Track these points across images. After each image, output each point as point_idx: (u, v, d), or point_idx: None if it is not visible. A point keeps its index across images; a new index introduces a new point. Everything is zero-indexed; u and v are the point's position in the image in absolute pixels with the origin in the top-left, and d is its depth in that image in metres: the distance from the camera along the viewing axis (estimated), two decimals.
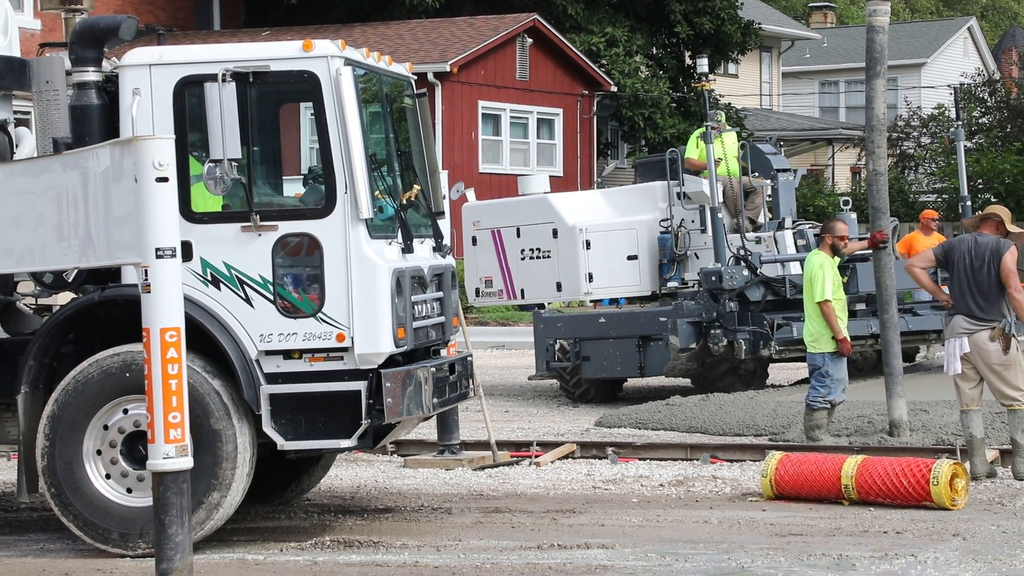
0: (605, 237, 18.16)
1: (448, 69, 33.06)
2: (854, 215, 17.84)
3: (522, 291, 18.79)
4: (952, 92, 22.15)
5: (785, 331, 16.34)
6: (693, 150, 18.32)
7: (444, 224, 11.03)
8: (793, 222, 18.05)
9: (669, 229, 17.90)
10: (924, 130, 42.36)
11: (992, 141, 40.40)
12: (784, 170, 18.33)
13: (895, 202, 33.24)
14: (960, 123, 19.05)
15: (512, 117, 35.57)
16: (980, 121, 41.96)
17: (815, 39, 53.62)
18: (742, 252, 16.82)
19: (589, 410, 17.39)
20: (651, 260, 18.13)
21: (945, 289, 12.87)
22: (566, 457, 13.60)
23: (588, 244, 18.09)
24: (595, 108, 37.28)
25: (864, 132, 15.55)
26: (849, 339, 13.67)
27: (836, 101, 54.24)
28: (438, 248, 10.74)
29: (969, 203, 19.00)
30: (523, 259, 18.64)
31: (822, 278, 13.38)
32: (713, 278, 16.50)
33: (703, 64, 18.10)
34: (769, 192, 18.44)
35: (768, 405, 15.70)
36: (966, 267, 11.82)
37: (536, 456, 13.48)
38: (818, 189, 39.00)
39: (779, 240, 17.57)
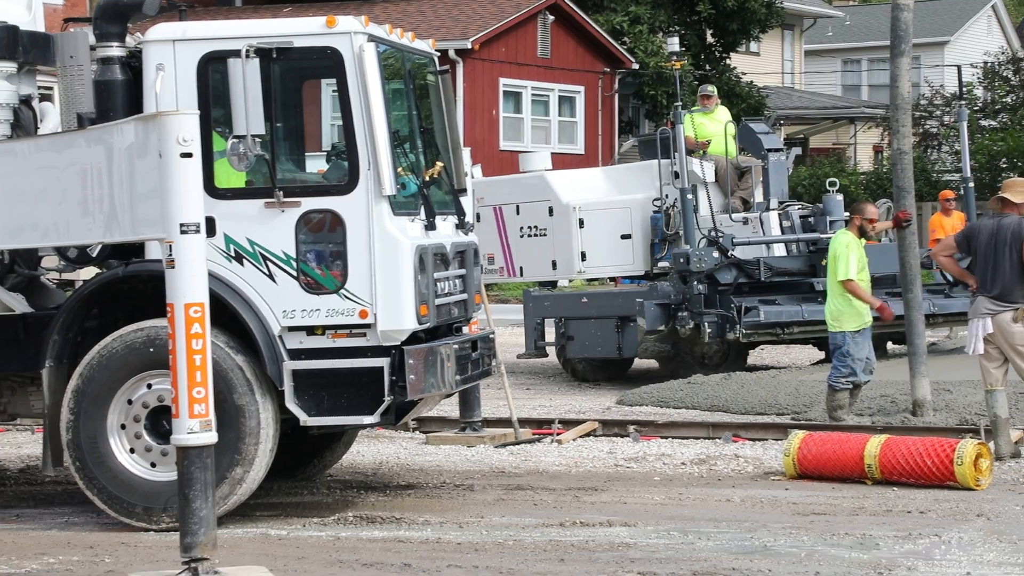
0: (598, 216, 18.00)
1: (469, 46, 33.00)
2: (840, 196, 17.54)
3: (521, 268, 18.75)
4: (957, 70, 21.98)
5: (753, 315, 16.11)
6: (690, 129, 18.24)
7: (467, 201, 11.01)
8: (781, 203, 17.69)
9: (661, 208, 17.68)
10: (947, 109, 42.15)
11: (1017, 120, 40.17)
12: (776, 150, 17.97)
13: (918, 181, 33.01)
14: (963, 103, 18.81)
15: (533, 95, 35.50)
16: (1004, 100, 41.71)
17: (838, 17, 53.36)
18: (713, 234, 16.67)
19: (611, 388, 17.38)
20: (645, 239, 17.91)
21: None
22: (588, 435, 13.61)
23: (581, 223, 17.96)
24: (616, 86, 37.18)
25: (888, 111, 15.48)
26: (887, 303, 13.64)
27: (858, 79, 53.99)
28: (461, 225, 10.72)
29: (972, 184, 18.67)
30: (522, 237, 18.55)
31: (846, 258, 13.33)
32: (681, 260, 16.34)
33: (673, 43, 17.94)
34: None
35: (790, 384, 15.67)
36: (988, 249, 11.78)
37: (558, 434, 13.49)
38: (840, 168, 38.83)
39: (764, 221, 17.31)
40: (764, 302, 16.41)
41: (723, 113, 18.49)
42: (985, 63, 42.57)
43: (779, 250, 17.27)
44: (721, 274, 16.47)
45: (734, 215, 17.45)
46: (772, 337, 16.57)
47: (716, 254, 16.44)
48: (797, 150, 18.94)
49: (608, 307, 17.34)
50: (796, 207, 17.79)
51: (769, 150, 17.83)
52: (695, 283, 16.24)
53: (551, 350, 18.42)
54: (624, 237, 17.85)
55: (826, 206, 17.37)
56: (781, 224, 17.34)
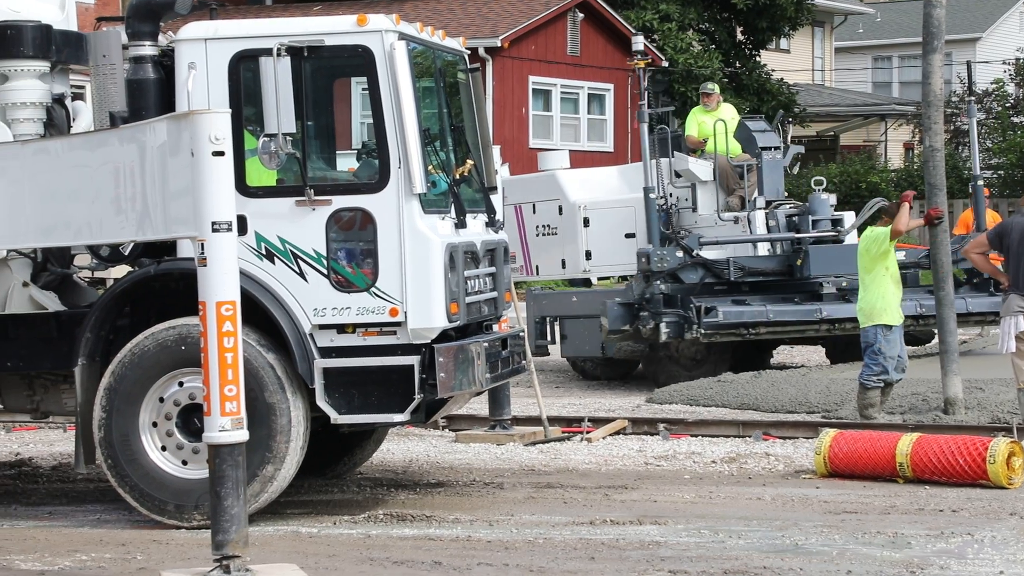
0: (603, 215, 17.94)
1: (499, 44, 32.98)
2: (827, 196, 17.29)
3: (537, 267, 18.74)
4: (966, 65, 21.79)
5: (712, 315, 15.94)
6: (692, 127, 18.18)
7: (497, 199, 11.02)
8: (768, 202, 17.37)
9: (663, 207, 17.49)
10: (979, 105, 41.92)
11: None
12: (771, 148, 17.72)
13: (949, 178, 32.87)
14: (972, 99, 18.50)
15: (563, 92, 35.46)
16: None
17: (868, 14, 53.13)
18: (676, 233, 16.52)
19: (640, 386, 17.36)
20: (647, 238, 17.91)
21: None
22: (618, 433, 13.60)
23: (587, 222, 17.92)
24: (646, 83, 37.11)
25: (920, 108, 15.40)
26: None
27: (889, 76, 53.76)
28: (491, 223, 10.73)
29: (981, 182, 18.24)
30: (537, 235, 18.57)
31: (879, 240, 13.27)
32: (643, 259, 16.26)
33: (638, 42, 17.85)
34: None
35: (821, 382, 15.62)
36: (1021, 247, 11.73)
37: (588, 432, 13.48)
38: (871, 165, 38.67)
39: (752, 221, 17.17)
40: (736, 302, 16.28)
41: (726, 111, 18.33)
42: (1017, 59, 42.31)
43: (764, 248, 17.08)
44: (685, 274, 16.37)
45: (724, 214, 17.31)
46: (737, 338, 16.36)
47: (680, 253, 16.32)
48: (799, 148, 18.51)
49: (593, 306, 17.25)
50: (787, 206, 17.49)
51: (763, 148, 17.59)
52: (657, 283, 16.16)
53: (553, 349, 18.38)
54: (628, 236, 17.75)
55: (811, 205, 17.09)
56: (768, 223, 17.11)
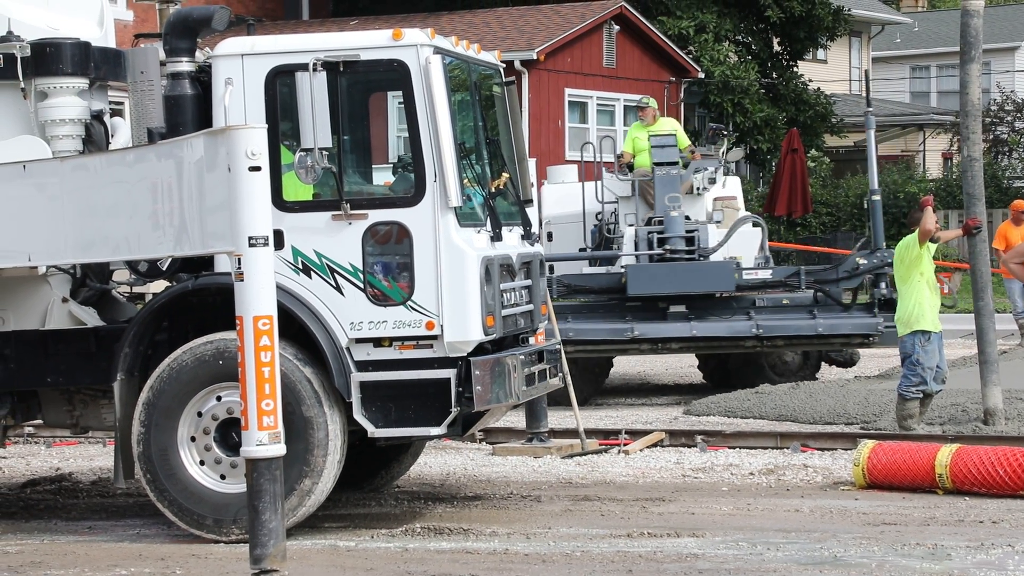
0: (564, 229, 17.91)
1: (535, 57, 33.01)
2: (677, 214, 16.69)
3: None
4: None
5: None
6: (628, 143, 18.14)
7: (532, 212, 11.03)
8: (650, 219, 17.06)
9: (596, 223, 17.44)
10: (1019, 115, 41.68)
11: None
12: (666, 163, 17.25)
13: (988, 188, 32.75)
14: (870, 110, 17.64)
15: (599, 104, 35.46)
16: None
17: (906, 23, 52.94)
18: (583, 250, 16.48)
19: (678, 398, 17.33)
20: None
21: None
22: (655, 445, 13.57)
23: (551, 236, 17.90)
24: (682, 95, 37.09)
25: (958, 117, 15.33)
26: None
27: (927, 86, 53.52)
28: (526, 236, 10.74)
29: (877, 197, 17.01)
30: None
31: (911, 248, 13.24)
32: None
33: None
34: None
35: (859, 393, 15.55)
36: None
37: (625, 444, 13.46)
38: (909, 176, 38.51)
39: (626, 237, 17.07)
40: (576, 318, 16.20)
41: (664, 125, 18.19)
42: None
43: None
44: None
45: (616, 231, 17.22)
46: (584, 353, 16.17)
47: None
48: (732, 157, 17.91)
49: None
50: (652, 227, 16.89)
51: (656, 164, 17.26)
52: None
53: None
54: (582, 250, 17.73)
55: (666, 224, 16.70)
56: (636, 242, 16.87)
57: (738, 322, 16.33)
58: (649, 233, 16.80)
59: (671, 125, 18.47)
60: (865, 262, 16.27)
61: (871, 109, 17.24)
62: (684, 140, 18.22)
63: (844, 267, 16.40)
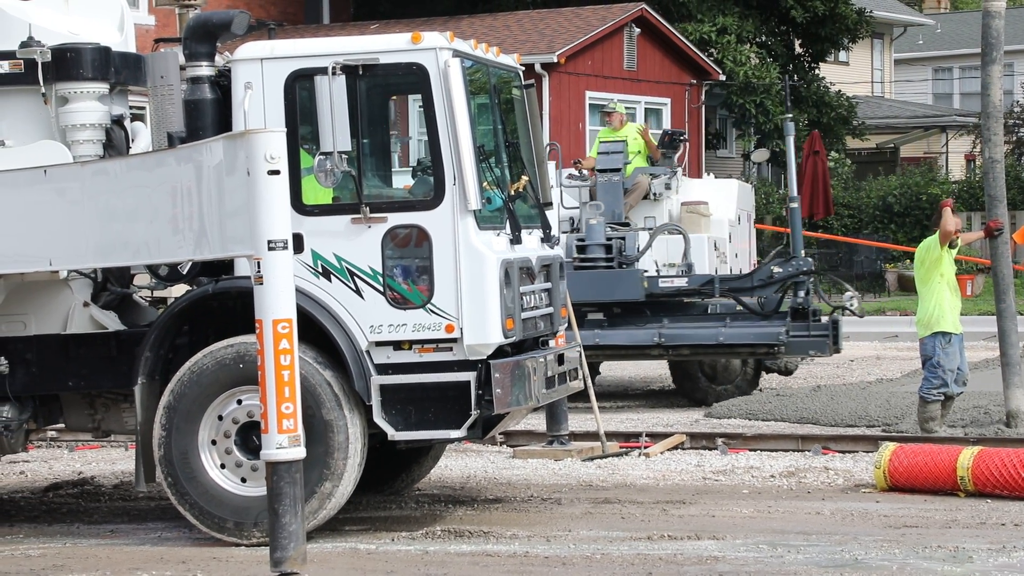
0: None
1: (555, 60, 33.02)
2: (596, 223, 16.40)
3: None
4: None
5: None
6: (594, 148, 18.06)
7: (552, 215, 11.03)
8: (573, 225, 16.87)
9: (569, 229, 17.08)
10: None
11: None
12: (609, 170, 17.15)
13: (1011, 189, 32.57)
14: (788, 116, 17.44)
15: None
16: None
17: (928, 25, 52.79)
18: None
19: (698, 401, 17.29)
20: None
21: None
22: (675, 448, 13.56)
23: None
24: (704, 97, 37.05)
25: (979, 119, 15.27)
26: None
27: (950, 88, 53.37)
28: (546, 239, 10.74)
29: (795, 204, 16.85)
30: None
31: (932, 248, 13.21)
32: None
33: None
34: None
35: (881, 396, 15.51)
36: None
37: (645, 447, 13.44)
38: (931, 177, 38.40)
39: (563, 243, 16.94)
40: None
41: (631, 131, 18.04)
42: None
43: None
44: None
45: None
46: None
47: None
48: (670, 170, 17.54)
49: None
50: (571, 234, 16.70)
51: (600, 171, 17.18)
52: None
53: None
54: None
55: (585, 232, 16.51)
56: (566, 247, 16.45)
57: (640, 330, 16.22)
58: (577, 241, 16.66)
59: (635, 131, 18.36)
60: (780, 270, 16.13)
61: (790, 116, 17.26)
62: (648, 146, 17.95)
63: (759, 275, 16.27)
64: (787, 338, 15.72)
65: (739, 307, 16.22)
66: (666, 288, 16.18)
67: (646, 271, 16.40)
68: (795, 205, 16.80)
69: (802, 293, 15.95)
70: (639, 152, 17.79)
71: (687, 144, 17.72)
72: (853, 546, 9.30)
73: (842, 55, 46.04)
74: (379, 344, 9.73)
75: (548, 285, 10.57)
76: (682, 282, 16.28)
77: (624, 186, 17.20)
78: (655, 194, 17.44)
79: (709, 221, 17.33)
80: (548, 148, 18.09)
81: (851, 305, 16.39)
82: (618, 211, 17.15)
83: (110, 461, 13.82)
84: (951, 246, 13.52)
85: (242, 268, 9.74)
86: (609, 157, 17.40)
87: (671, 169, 17.55)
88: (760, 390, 16.98)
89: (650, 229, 16.99)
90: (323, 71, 9.41)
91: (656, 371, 20.48)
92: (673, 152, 17.81)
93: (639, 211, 17.41)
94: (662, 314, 16.27)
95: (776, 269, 16.14)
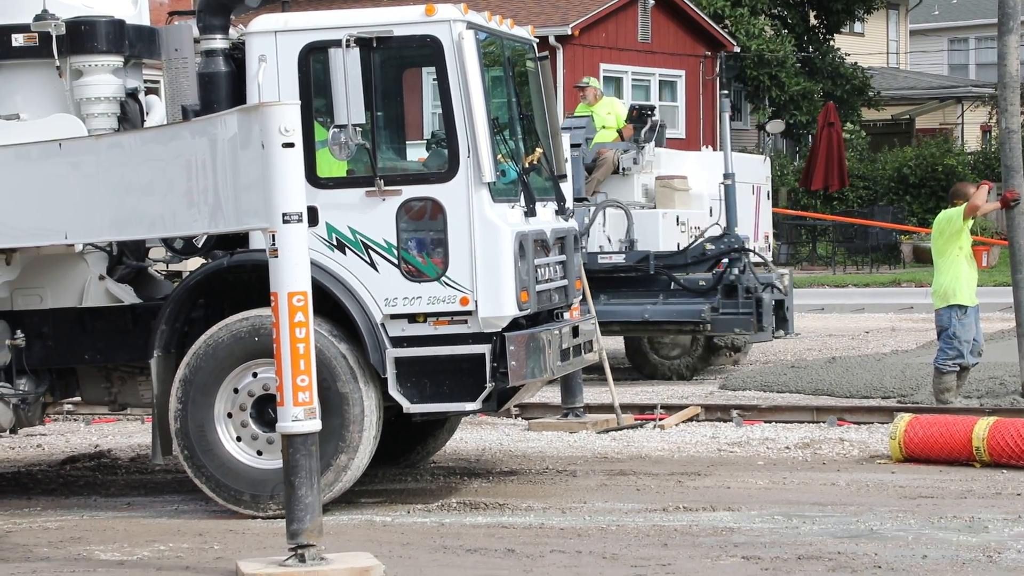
0: None
1: (569, 32, 32.94)
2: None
3: None
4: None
5: None
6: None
7: (566, 187, 11.01)
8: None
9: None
10: None
11: None
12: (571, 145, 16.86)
13: None
14: (725, 92, 17.20)
15: (634, 79, 35.36)
16: None
17: None
18: None
19: (713, 373, 17.30)
20: None
21: None
22: (690, 420, 13.56)
23: None
24: (718, 69, 36.93)
25: (996, 89, 15.21)
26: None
27: (966, 58, 53.14)
28: (560, 211, 10.73)
29: (730, 181, 16.56)
30: None
31: (955, 220, 13.18)
32: None
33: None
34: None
35: (896, 367, 15.50)
36: None
37: (660, 419, 13.45)
38: (947, 149, 38.27)
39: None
40: None
41: (604, 106, 17.95)
42: None
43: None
44: None
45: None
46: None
47: None
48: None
49: None
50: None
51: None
52: None
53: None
54: None
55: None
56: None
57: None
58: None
59: (610, 106, 18.24)
60: (713, 247, 16.05)
61: (726, 92, 16.99)
62: (619, 120, 17.85)
63: (692, 252, 16.17)
64: (711, 316, 15.61)
65: (701, 283, 16.08)
66: (604, 264, 16.11)
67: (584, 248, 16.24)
68: (730, 183, 16.68)
69: (735, 271, 15.82)
70: (604, 127, 17.65)
71: (655, 119, 17.52)
72: (868, 517, 9.31)
73: (857, 26, 45.85)
74: (394, 317, 9.74)
75: (563, 257, 10.57)
76: (620, 259, 16.24)
77: (584, 161, 17.08)
78: (624, 169, 17.33)
79: (686, 196, 17.19)
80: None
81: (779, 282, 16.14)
82: (578, 186, 16.96)
83: (127, 434, 13.87)
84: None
85: (257, 241, 9.76)
86: (571, 132, 17.35)
87: (638, 144, 17.39)
88: (726, 368, 16.76)
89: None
90: (337, 43, 9.40)
91: None
92: (642, 126, 17.66)
93: (610, 186, 17.24)
94: (605, 291, 16.20)
95: (709, 246, 16.08)
